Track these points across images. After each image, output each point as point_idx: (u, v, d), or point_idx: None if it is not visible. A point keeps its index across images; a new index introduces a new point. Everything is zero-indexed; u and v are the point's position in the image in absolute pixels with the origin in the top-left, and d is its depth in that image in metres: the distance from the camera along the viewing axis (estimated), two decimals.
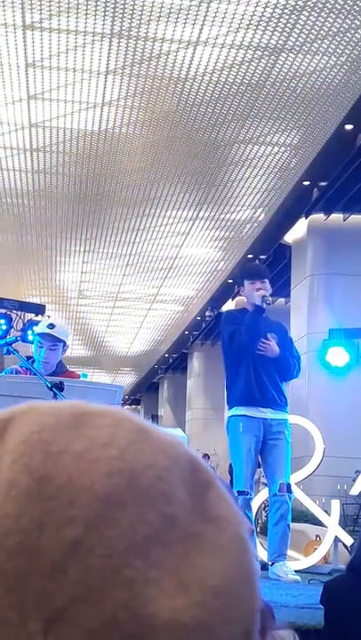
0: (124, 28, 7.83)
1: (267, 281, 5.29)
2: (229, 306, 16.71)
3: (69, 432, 0.44)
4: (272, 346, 5.14)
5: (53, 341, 4.82)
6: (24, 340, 9.09)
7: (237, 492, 4.99)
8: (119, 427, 0.45)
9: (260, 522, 7.19)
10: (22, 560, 0.41)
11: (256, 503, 6.05)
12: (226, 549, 0.44)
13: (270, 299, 5.36)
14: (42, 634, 0.40)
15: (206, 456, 14.67)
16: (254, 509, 6.00)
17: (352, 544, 6.02)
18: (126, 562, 0.41)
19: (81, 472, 0.42)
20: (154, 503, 0.43)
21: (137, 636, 0.40)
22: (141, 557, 0.41)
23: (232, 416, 5.30)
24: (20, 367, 4.81)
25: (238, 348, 5.19)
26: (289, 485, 5.16)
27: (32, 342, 9.99)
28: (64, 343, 4.90)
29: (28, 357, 4.98)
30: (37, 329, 5.01)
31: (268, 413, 5.15)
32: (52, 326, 4.87)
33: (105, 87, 8.87)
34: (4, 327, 9.17)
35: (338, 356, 10.81)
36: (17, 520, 0.41)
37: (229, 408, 5.39)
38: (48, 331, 4.84)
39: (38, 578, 0.40)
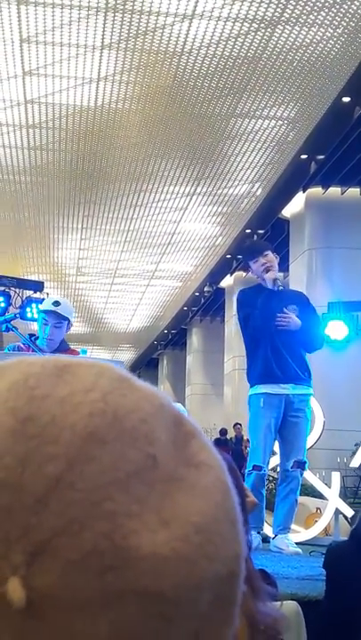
0: (118, 1, 7.76)
1: (268, 252, 5.23)
2: (228, 281, 16.71)
3: (54, 379, 0.46)
4: (293, 319, 5.05)
5: (58, 319, 4.84)
6: (23, 317, 9.08)
7: (253, 466, 4.98)
8: (102, 375, 0.46)
9: (267, 495, 7.22)
10: (5, 495, 0.42)
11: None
12: (208, 491, 0.45)
13: (280, 279, 5.19)
14: (25, 566, 0.41)
15: (239, 425, 14.50)
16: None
17: (353, 515, 6.07)
18: (107, 496, 0.42)
19: (64, 413, 0.44)
20: (136, 442, 0.44)
21: (118, 567, 0.41)
22: (123, 492, 0.42)
23: (253, 394, 5.26)
24: (22, 344, 4.82)
25: (254, 330, 5.14)
26: (304, 463, 5.15)
27: (31, 319, 9.99)
28: (68, 321, 4.92)
29: (31, 335, 5.00)
30: (42, 306, 5.02)
31: (289, 389, 5.09)
32: (57, 304, 4.88)
33: (100, 62, 8.81)
34: (2, 305, 9.16)
35: (337, 329, 10.82)
36: (0, 458, 0.43)
37: (250, 386, 5.35)
38: (53, 308, 4.86)
39: (21, 512, 0.42)
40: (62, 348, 4.93)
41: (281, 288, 5.12)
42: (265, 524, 5.51)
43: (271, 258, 5.17)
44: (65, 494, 0.42)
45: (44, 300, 10.07)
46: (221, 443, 15.58)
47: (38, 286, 9.81)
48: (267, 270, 5.13)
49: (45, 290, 10.41)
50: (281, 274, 15.11)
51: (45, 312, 4.87)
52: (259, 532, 5.09)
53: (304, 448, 5.18)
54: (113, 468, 0.43)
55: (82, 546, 0.41)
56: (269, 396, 5.09)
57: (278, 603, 1.85)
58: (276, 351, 5.05)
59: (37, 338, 4.89)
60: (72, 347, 5.38)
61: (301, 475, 5.19)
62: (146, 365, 26.35)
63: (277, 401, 5.09)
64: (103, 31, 8.24)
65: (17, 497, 0.42)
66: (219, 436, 15.49)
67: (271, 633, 1.33)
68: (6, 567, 0.41)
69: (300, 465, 5.14)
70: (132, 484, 0.43)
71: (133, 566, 0.41)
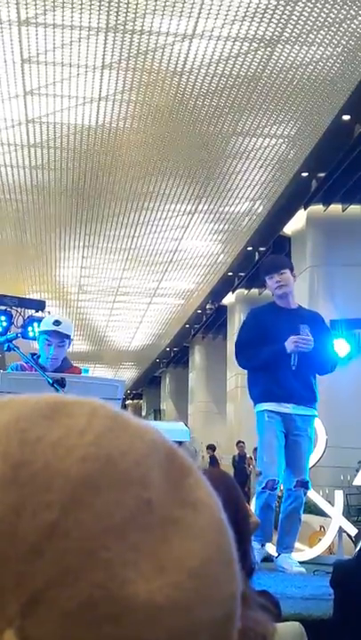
0: (119, 22, 7.81)
1: (286, 271, 5.16)
2: (230, 299, 16.72)
3: (46, 421, 0.45)
4: (311, 341, 4.97)
5: (61, 338, 4.84)
6: (25, 336, 9.09)
7: (267, 481, 4.94)
8: (95, 415, 0.45)
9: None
10: None
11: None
12: (203, 532, 0.44)
13: (308, 342, 5.02)
14: (20, 617, 0.40)
15: (242, 442, 14.48)
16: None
17: (356, 534, 6.03)
18: (102, 544, 0.41)
19: (57, 458, 0.43)
20: (130, 487, 0.43)
21: (114, 616, 0.40)
22: (118, 540, 0.42)
23: (258, 411, 5.24)
24: (25, 363, 4.82)
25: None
26: (307, 482, 5.12)
27: (32, 339, 9.97)
28: (69, 338, 4.93)
29: (33, 354, 4.99)
30: (43, 327, 5.01)
31: (290, 408, 5.06)
32: (57, 323, 4.88)
33: (101, 82, 8.85)
34: (4, 324, 9.17)
35: (339, 347, 10.81)
36: None
37: (254, 405, 5.32)
38: (55, 328, 4.85)
39: (15, 561, 0.41)
40: (65, 366, 4.93)
41: (304, 349, 5.00)
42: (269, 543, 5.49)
43: (287, 277, 5.12)
44: (60, 543, 0.41)
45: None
46: (212, 461, 15.51)
47: (40, 305, 9.83)
48: (280, 288, 5.10)
49: (47, 308, 10.43)
50: None
51: (47, 333, 4.86)
52: (262, 546, 5.06)
53: (306, 468, 5.14)
54: (108, 515, 0.42)
55: (77, 596, 0.40)
56: (272, 412, 5.08)
57: (281, 624, 1.83)
58: (279, 370, 5.01)
59: (39, 357, 4.88)
60: (75, 364, 5.37)
61: (305, 494, 5.16)
62: (148, 383, 26.30)
63: (282, 419, 5.07)
64: (104, 51, 8.29)
65: (11, 546, 0.41)
66: (209, 452, 15.43)
67: (254, 635, 1.32)
68: (2, 618, 0.40)
69: (303, 484, 5.10)
70: (127, 530, 0.42)
71: (129, 616, 0.41)
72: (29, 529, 0.41)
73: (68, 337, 4.86)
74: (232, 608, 0.45)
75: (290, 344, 4.92)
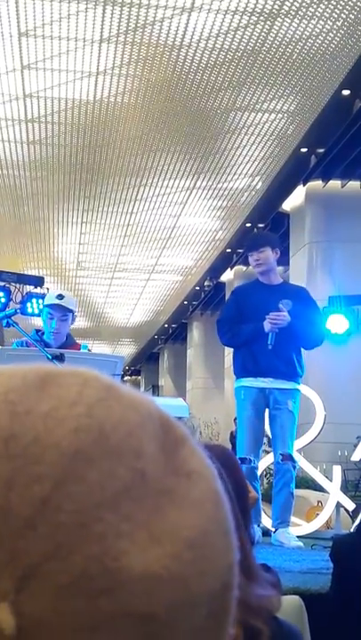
0: None
1: (266, 249, 5.19)
2: (228, 275, 16.70)
3: (36, 392, 0.44)
4: (285, 317, 5.01)
5: (63, 312, 4.86)
6: (23, 312, 9.08)
7: (239, 459, 4.99)
8: (87, 385, 0.45)
9: (262, 489, 7.24)
10: None
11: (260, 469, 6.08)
12: (199, 502, 0.44)
13: (281, 319, 5.05)
14: (14, 592, 0.40)
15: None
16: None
17: (355, 509, 6.07)
18: (96, 516, 0.41)
19: (48, 430, 0.42)
20: (123, 458, 0.43)
21: (110, 589, 0.40)
22: (112, 511, 0.41)
23: (236, 387, 5.30)
24: (30, 339, 4.84)
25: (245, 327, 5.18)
26: (290, 455, 5.15)
27: (31, 314, 9.97)
28: (73, 313, 4.94)
29: (38, 330, 5.00)
30: (47, 301, 5.03)
31: (268, 383, 5.10)
32: (61, 297, 4.89)
33: (99, 56, 8.78)
34: (2, 300, 9.16)
35: (338, 323, 10.81)
36: None
37: (235, 380, 5.38)
38: (58, 301, 4.87)
39: (8, 536, 0.40)
40: (69, 342, 4.95)
41: (277, 331, 5.02)
42: (264, 516, 5.52)
43: (266, 255, 5.16)
44: (52, 517, 0.41)
45: (44, 295, 10.09)
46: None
47: (38, 281, 9.82)
48: (258, 267, 5.16)
49: (45, 284, 10.42)
50: (281, 268, 15.15)
51: (50, 306, 4.88)
52: (258, 525, 5.10)
53: (289, 441, 5.16)
54: (101, 488, 0.42)
55: (72, 570, 0.40)
56: (248, 388, 5.13)
57: (281, 597, 1.84)
58: (256, 347, 5.05)
59: (44, 333, 4.90)
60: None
61: (294, 467, 5.19)
62: (147, 360, 26.34)
63: (256, 393, 5.11)
64: (102, 24, 8.21)
65: (4, 521, 0.41)
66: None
67: (262, 611, 1.33)
68: None
69: (289, 458, 5.13)
70: (120, 502, 0.42)
71: (125, 588, 0.40)
72: (21, 503, 0.41)
73: (70, 311, 4.88)
74: (230, 579, 0.45)
75: (266, 324, 4.98)
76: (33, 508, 0.41)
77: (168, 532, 0.42)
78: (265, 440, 5.54)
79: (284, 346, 5.02)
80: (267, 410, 5.20)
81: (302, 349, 5.22)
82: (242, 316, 5.13)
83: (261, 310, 5.02)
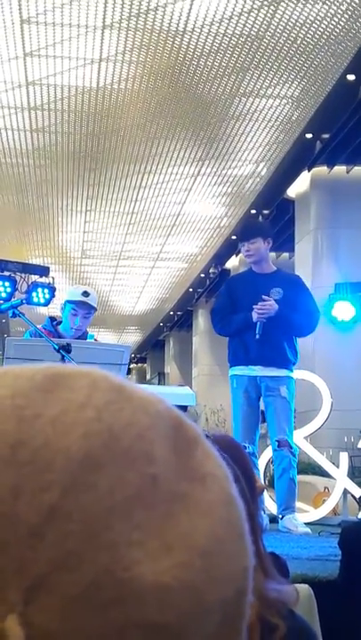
0: None
1: (257, 240, 5.21)
2: (233, 262, 16.68)
3: (44, 395, 0.43)
4: (271, 306, 5.05)
5: (88, 309, 4.89)
6: (29, 302, 9.07)
7: None
8: (96, 387, 0.44)
9: (268, 475, 7.26)
10: None
11: (264, 457, 6.09)
12: (212, 507, 0.43)
13: (268, 308, 5.07)
14: (22, 603, 0.39)
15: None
16: (262, 463, 6.04)
17: None
18: (106, 525, 0.40)
19: (57, 435, 0.41)
20: (134, 463, 0.41)
21: (120, 600, 0.39)
22: (123, 519, 0.40)
23: (230, 376, 5.38)
24: (44, 328, 4.85)
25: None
26: (286, 441, 5.17)
27: (36, 304, 9.95)
28: (95, 309, 4.97)
29: (52, 319, 5.01)
30: (71, 297, 5.02)
31: (257, 371, 5.14)
32: (86, 294, 4.90)
33: (102, 42, 8.73)
34: (8, 290, 9.15)
35: (344, 310, 10.79)
36: None
37: (229, 369, 5.46)
38: (83, 299, 4.88)
39: (16, 546, 0.39)
40: (83, 336, 4.97)
41: (264, 321, 5.05)
42: (271, 502, 5.53)
43: (257, 246, 5.21)
44: (61, 525, 0.39)
45: (49, 284, 10.09)
46: None
47: (44, 271, 9.81)
48: (249, 257, 5.23)
49: (51, 273, 10.41)
50: (286, 254, 15.10)
51: (75, 303, 4.89)
52: (264, 512, 5.12)
53: (285, 427, 5.19)
54: (111, 494, 0.40)
55: (81, 580, 0.39)
56: (240, 377, 5.19)
57: (294, 585, 1.84)
58: (247, 335, 5.10)
59: (59, 323, 4.91)
60: None
61: (292, 454, 5.20)
62: (152, 347, 26.36)
63: (247, 381, 5.15)
64: (104, 11, 8.16)
65: (11, 529, 0.39)
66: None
67: (279, 606, 1.33)
68: (3, 604, 0.39)
69: (285, 444, 5.16)
70: (131, 509, 0.40)
71: (136, 599, 0.39)
72: (29, 511, 0.40)
73: (94, 308, 4.89)
74: (244, 584, 0.43)
75: (253, 313, 5.03)
76: (41, 516, 0.40)
77: (181, 539, 0.41)
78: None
79: (275, 334, 5.07)
80: (261, 399, 5.24)
81: (295, 336, 5.26)
82: (235, 305, 5.18)
83: (254, 299, 5.08)
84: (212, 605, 0.41)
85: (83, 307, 4.89)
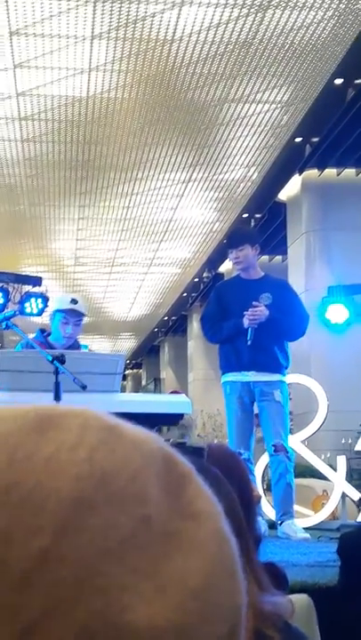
0: None
1: (245, 247, 5.24)
2: (227, 266, 16.70)
3: (35, 436, 0.42)
4: (262, 312, 5.07)
5: (78, 316, 4.89)
6: (22, 312, 9.07)
7: None
8: (87, 427, 0.43)
9: (265, 480, 7.28)
10: None
11: (262, 463, 6.11)
12: (205, 545, 0.42)
13: (258, 314, 5.11)
14: None
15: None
16: (260, 469, 6.06)
17: (360, 498, 6.09)
18: (99, 569, 0.39)
19: (49, 477, 0.40)
20: (127, 505, 0.41)
21: None
22: (116, 563, 0.40)
23: (222, 383, 5.38)
24: (35, 340, 4.85)
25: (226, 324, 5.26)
26: (283, 445, 5.18)
27: (30, 314, 9.95)
28: (85, 316, 4.98)
29: (42, 330, 5.01)
30: (59, 305, 5.02)
31: (251, 376, 5.15)
32: (75, 301, 4.91)
33: (92, 52, 8.76)
34: (1, 301, 9.14)
35: (337, 312, 10.82)
36: None
37: (221, 375, 5.46)
38: (72, 306, 4.88)
39: (7, 591, 0.39)
40: (75, 346, 4.98)
41: (255, 327, 5.07)
42: (270, 508, 5.54)
43: (245, 253, 5.23)
44: (53, 570, 0.39)
45: (42, 294, 10.09)
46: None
47: (37, 281, 9.81)
48: (238, 264, 5.25)
49: (44, 281, 10.42)
50: (280, 257, 15.10)
51: (65, 311, 4.89)
52: (263, 518, 5.13)
53: (281, 431, 5.20)
54: (103, 538, 0.40)
55: (73, 626, 0.38)
56: (233, 383, 5.19)
57: (290, 597, 1.85)
58: (238, 341, 5.11)
59: (49, 334, 4.91)
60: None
61: (288, 458, 5.21)
62: (147, 353, 26.35)
63: (240, 387, 5.16)
64: (93, 21, 8.20)
65: (2, 575, 0.39)
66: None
67: (275, 619, 1.34)
68: None
69: (281, 448, 5.16)
70: (125, 552, 0.40)
71: None
72: (20, 556, 0.39)
73: (84, 315, 4.90)
74: (237, 621, 0.43)
75: (245, 320, 5.05)
76: (32, 561, 0.39)
77: (174, 580, 0.41)
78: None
79: (266, 339, 5.08)
80: (255, 404, 5.26)
81: (286, 341, 5.28)
82: (225, 312, 5.19)
83: (243, 305, 5.09)
84: None
85: (73, 314, 4.90)
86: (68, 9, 7.98)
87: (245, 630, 0.45)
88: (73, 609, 0.39)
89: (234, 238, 5.50)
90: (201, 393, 18.71)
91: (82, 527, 0.40)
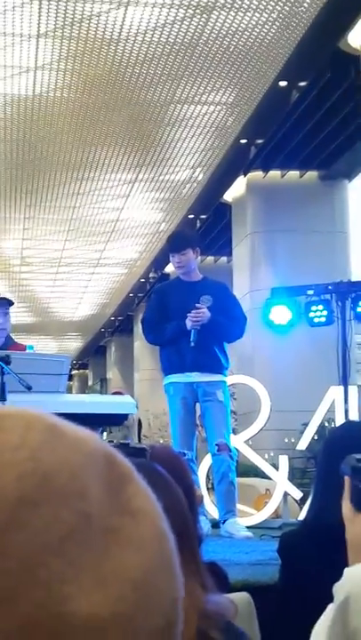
0: None
1: (187, 251, 5.29)
2: (172, 267, 16.75)
3: None
4: (204, 313, 5.12)
5: (5, 305, 4.86)
6: None
7: None
8: (30, 428, 0.45)
9: (210, 479, 7.31)
10: None
11: (206, 463, 6.14)
12: (144, 542, 0.44)
13: (200, 316, 5.15)
14: None
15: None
16: (204, 469, 6.09)
17: (301, 498, 6.17)
18: (41, 562, 0.41)
19: None
20: (68, 502, 0.43)
21: (56, 634, 0.41)
22: (57, 557, 0.41)
23: (165, 384, 5.42)
24: None
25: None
26: (226, 444, 5.23)
27: None
28: (11, 303, 4.95)
29: None
30: None
31: (194, 377, 5.20)
32: None
33: (37, 51, 8.71)
34: None
35: (281, 313, 10.89)
36: None
37: (163, 377, 5.48)
38: None
39: None
40: (9, 343, 4.93)
41: (197, 334, 5.11)
42: (212, 506, 5.58)
43: (187, 257, 5.28)
44: None
45: None
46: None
47: None
48: (179, 269, 5.31)
49: None
50: (225, 258, 15.18)
51: None
52: (206, 517, 5.16)
53: (223, 431, 5.26)
54: (45, 533, 0.42)
55: (17, 616, 0.40)
56: (176, 384, 5.24)
57: (230, 595, 1.88)
58: (180, 343, 5.15)
59: None
60: (19, 337, 5.36)
61: (231, 457, 5.26)
62: (94, 353, 26.25)
63: (183, 387, 5.21)
64: (39, 19, 8.15)
65: None
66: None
67: (217, 619, 1.35)
68: None
69: (224, 447, 5.21)
70: (66, 546, 0.42)
71: (71, 633, 0.41)
72: None
73: (10, 303, 4.87)
74: (174, 615, 0.46)
75: (188, 321, 5.11)
76: None
77: (114, 573, 0.43)
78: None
79: (207, 340, 5.14)
80: (198, 405, 5.30)
81: (226, 342, 5.35)
82: (166, 314, 5.23)
83: (183, 307, 5.13)
84: (144, 636, 0.43)
85: (1, 302, 4.89)
86: (14, 7, 7.93)
87: (188, 630, 0.47)
88: (16, 600, 0.40)
89: (176, 242, 5.52)
90: (147, 393, 18.72)
91: (24, 523, 0.41)
